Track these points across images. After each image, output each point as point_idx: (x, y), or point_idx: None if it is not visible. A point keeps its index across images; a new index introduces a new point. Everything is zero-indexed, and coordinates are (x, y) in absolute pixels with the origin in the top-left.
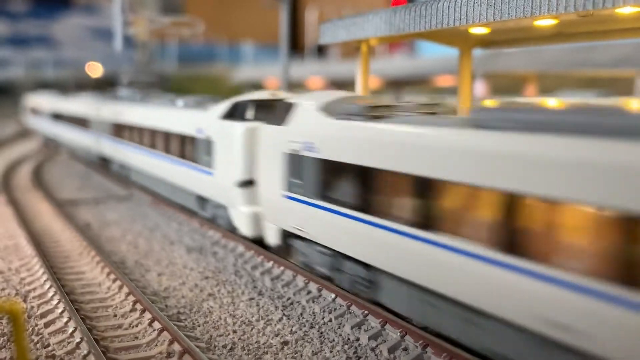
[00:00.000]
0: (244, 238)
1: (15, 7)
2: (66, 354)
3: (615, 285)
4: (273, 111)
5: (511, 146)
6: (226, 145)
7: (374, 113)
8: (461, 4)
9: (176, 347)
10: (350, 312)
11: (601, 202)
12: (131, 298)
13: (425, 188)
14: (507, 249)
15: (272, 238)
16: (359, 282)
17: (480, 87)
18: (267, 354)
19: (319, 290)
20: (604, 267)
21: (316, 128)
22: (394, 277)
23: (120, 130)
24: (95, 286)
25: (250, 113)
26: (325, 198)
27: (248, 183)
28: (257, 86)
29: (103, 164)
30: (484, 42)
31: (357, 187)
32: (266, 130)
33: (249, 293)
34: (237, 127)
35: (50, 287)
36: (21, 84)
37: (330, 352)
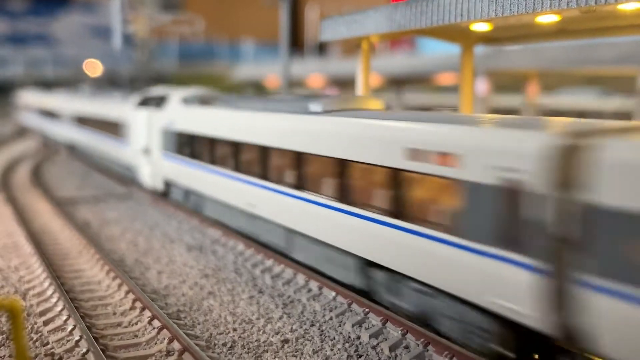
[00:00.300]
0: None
1: (15, 6)
2: (65, 352)
3: (262, 179)
4: (162, 101)
5: (227, 115)
6: (135, 125)
7: (203, 101)
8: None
9: (176, 345)
10: (350, 310)
11: (245, 139)
12: (131, 296)
13: (215, 143)
14: (235, 169)
15: (159, 186)
16: (197, 205)
17: (482, 85)
18: (267, 352)
19: (320, 288)
20: (257, 171)
21: (175, 111)
22: (210, 198)
23: (78, 120)
24: (95, 284)
25: (153, 102)
26: (179, 154)
27: (147, 150)
28: (257, 84)
29: (71, 149)
30: (486, 39)
31: (192, 145)
32: (155, 114)
33: (249, 291)
34: (141, 112)
35: (50, 285)
36: (21, 83)
37: (331, 350)
